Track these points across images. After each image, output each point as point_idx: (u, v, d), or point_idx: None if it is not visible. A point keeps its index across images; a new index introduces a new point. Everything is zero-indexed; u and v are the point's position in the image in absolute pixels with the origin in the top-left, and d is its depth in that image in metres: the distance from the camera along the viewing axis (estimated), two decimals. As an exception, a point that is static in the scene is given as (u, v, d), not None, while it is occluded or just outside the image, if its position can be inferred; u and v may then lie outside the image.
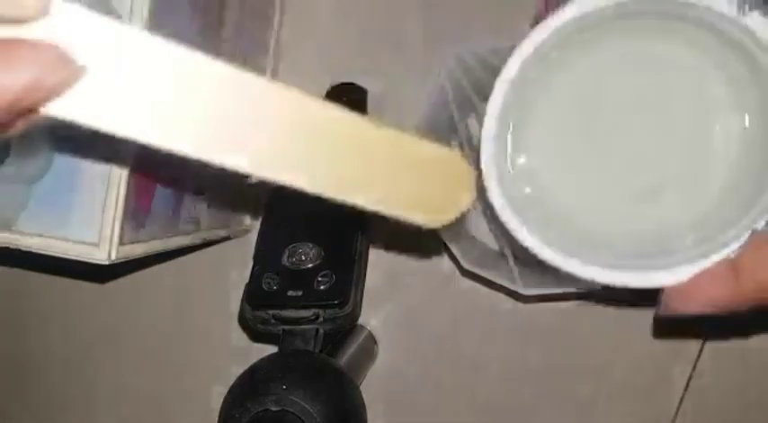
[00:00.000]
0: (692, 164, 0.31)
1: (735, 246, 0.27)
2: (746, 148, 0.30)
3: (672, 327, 0.40)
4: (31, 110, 0.19)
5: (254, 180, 0.22)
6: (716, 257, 0.27)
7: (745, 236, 0.27)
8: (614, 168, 0.32)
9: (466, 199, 0.25)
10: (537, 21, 0.30)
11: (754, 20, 0.26)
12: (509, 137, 0.31)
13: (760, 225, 0.27)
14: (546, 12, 0.31)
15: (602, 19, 0.29)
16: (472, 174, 0.25)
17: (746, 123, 0.30)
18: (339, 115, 0.22)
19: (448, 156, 0.25)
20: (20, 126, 0.19)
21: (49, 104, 0.19)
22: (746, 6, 0.26)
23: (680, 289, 0.28)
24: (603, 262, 0.29)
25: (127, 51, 0.19)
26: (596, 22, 0.29)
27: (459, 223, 0.27)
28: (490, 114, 0.29)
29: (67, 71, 0.18)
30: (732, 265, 0.27)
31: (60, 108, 0.19)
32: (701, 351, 0.40)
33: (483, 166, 0.29)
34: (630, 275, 0.28)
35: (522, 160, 0.32)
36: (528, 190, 0.32)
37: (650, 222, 0.32)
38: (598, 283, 0.29)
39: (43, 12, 0.18)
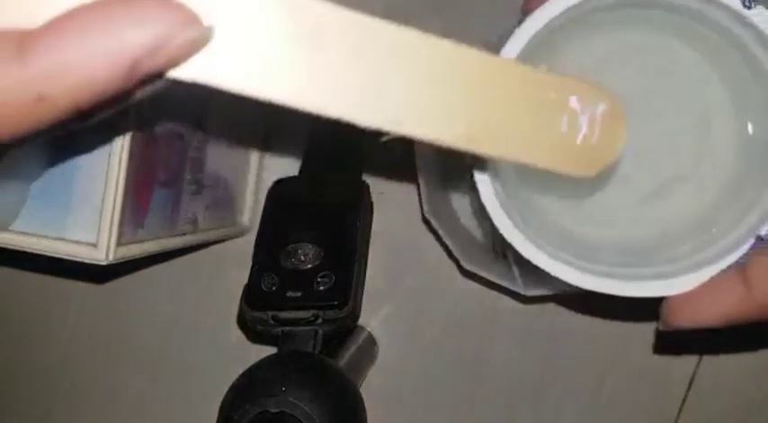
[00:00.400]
0: (690, 165, 0.30)
1: (739, 252, 0.26)
2: (746, 149, 0.29)
3: (673, 337, 0.39)
4: (154, 75, 0.17)
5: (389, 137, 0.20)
6: (721, 265, 0.26)
7: (750, 242, 0.26)
8: (615, 170, 0.31)
9: (619, 140, 0.22)
10: (524, 14, 0.29)
11: (759, 15, 0.24)
12: None
13: (763, 231, 0.25)
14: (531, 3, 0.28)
15: (593, 10, 0.27)
16: (622, 110, 0.22)
17: (748, 124, 0.29)
18: (477, 56, 0.20)
19: (596, 90, 0.22)
20: (139, 94, 0.18)
21: (173, 68, 0.17)
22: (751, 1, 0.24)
23: (686, 300, 0.26)
24: (600, 270, 0.27)
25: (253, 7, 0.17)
26: (585, 14, 0.27)
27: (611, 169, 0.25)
28: None
29: (196, 32, 0.17)
30: (742, 274, 0.25)
31: (188, 71, 0.17)
32: (702, 353, 0.40)
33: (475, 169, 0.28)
34: (628, 285, 0.27)
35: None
36: (521, 193, 0.31)
37: (650, 227, 0.31)
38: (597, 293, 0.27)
39: None
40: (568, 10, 0.26)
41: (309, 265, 0.37)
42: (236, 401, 0.32)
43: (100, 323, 0.46)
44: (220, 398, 0.33)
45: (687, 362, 0.40)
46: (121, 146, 0.28)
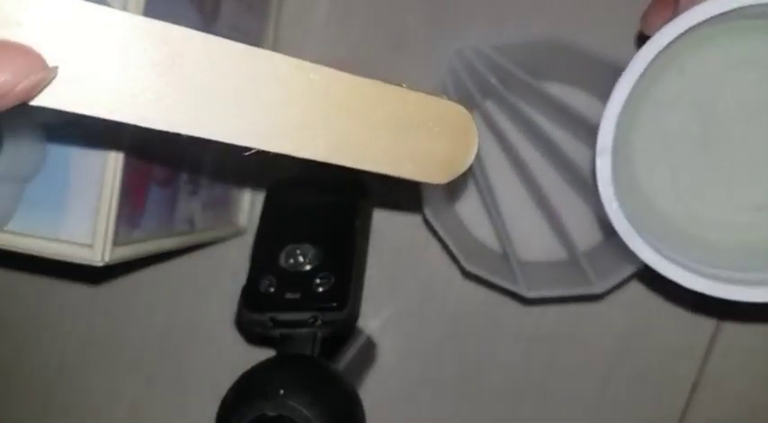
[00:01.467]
0: None
1: None
2: None
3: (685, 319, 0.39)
4: (4, 109, 0.18)
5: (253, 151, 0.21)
6: None
7: None
8: (730, 176, 0.32)
9: (471, 151, 0.24)
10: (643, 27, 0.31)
11: None
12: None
13: None
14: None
15: (720, 19, 0.28)
16: (474, 125, 0.24)
17: None
18: (335, 75, 0.21)
19: (449, 106, 0.24)
20: None
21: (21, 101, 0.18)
22: None
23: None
24: (710, 273, 0.29)
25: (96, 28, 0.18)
26: (714, 22, 0.28)
27: (462, 179, 0.27)
28: (610, 116, 0.29)
29: (41, 76, 0.18)
30: None
31: (40, 100, 0.18)
32: (706, 354, 0.39)
33: (600, 176, 0.29)
34: (736, 289, 0.28)
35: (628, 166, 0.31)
36: (633, 196, 0.31)
37: (762, 233, 0.31)
38: (710, 295, 0.29)
39: None
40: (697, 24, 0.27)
41: (308, 267, 0.37)
42: (234, 405, 0.32)
43: (96, 325, 0.46)
44: (218, 401, 0.33)
45: (690, 365, 0.40)
46: (117, 146, 0.28)
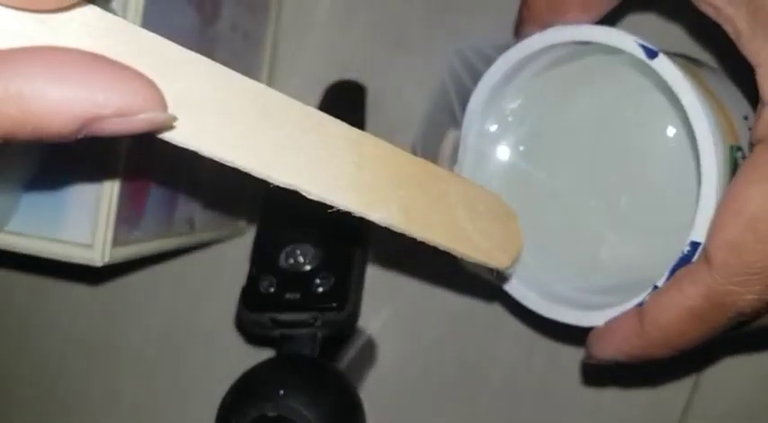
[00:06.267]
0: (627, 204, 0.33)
1: (639, 299, 0.27)
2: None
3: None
4: (94, 136, 0.17)
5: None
6: (626, 305, 0.28)
7: (648, 291, 0.27)
8: (568, 200, 0.34)
9: (516, 245, 0.27)
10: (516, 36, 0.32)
11: (660, 63, 0.27)
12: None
13: (661, 282, 0.27)
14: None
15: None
16: (516, 219, 0.27)
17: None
18: (393, 149, 0.23)
19: (493, 198, 0.26)
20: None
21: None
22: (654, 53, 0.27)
23: (597, 334, 0.28)
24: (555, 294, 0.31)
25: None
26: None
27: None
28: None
29: (161, 117, 0.17)
30: (638, 312, 0.27)
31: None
32: (706, 360, 0.39)
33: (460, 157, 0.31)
34: (566, 311, 0.30)
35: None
36: None
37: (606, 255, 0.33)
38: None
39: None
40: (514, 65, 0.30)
41: (308, 267, 0.37)
42: (234, 405, 0.32)
43: (95, 325, 0.46)
44: (218, 401, 0.33)
45: (691, 367, 0.40)
46: (117, 145, 0.28)
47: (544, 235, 0.33)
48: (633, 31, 0.28)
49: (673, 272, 0.26)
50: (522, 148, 0.34)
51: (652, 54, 0.27)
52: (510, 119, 0.33)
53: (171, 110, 0.18)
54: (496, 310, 0.41)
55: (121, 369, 0.46)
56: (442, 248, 0.24)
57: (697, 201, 0.26)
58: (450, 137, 0.38)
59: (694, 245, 0.26)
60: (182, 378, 0.45)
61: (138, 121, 0.17)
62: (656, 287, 0.27)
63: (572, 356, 0.41)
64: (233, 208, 0.43)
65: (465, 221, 0.25)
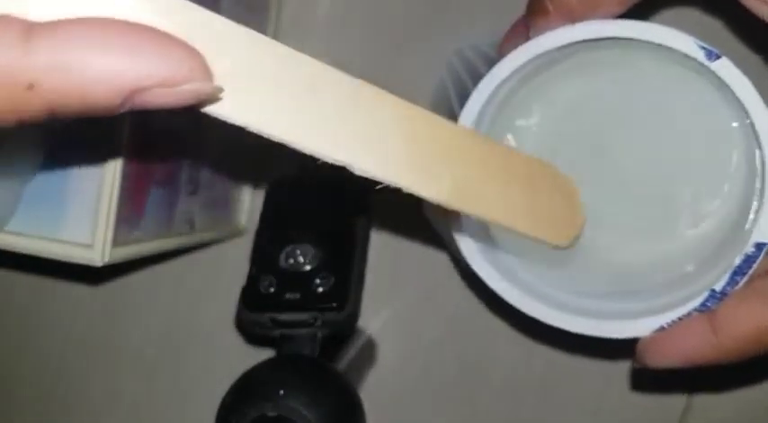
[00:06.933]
0: (669, 202, 0.32)
1: (695, 303, 0.27)
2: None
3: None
4: (142, 108, 0.17)
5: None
6: (679, 312, 0.27)
7: (704, 295, 0.26)
8: (599, 192, 0.32)
9: (580, 215, 0.25)
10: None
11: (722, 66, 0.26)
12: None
13: (719, 286, 0.26)
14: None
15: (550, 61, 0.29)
16: (578, 193, 0.25)
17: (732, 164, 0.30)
18: (447, 124, 0.22)
19: (554, 171, 0.25)
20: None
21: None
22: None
23: (654, 342, 0.27)
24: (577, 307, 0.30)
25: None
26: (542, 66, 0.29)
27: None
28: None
29: (207, 88, 0.17)
30: (709, 319, 0.26)
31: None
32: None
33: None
34: (586, 322, 0.29)
35: None
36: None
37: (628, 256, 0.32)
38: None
39: None
40: (526, 64, 0.28)
41: (308, 267, 0.37)
42: (234, 405, 0.32)
43: (95, 325, 0.46)
44: (218, 401, 0.33)
45: (692, 367, 0.40)
46: (117, 145, 0.28)
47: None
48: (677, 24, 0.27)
49: (735, 274, 0.26)
50: (528, 141, 0.33)
51: (713, 56, 0.26)
52: (520, 118, 0.32)
53: (218, 83, 0.17)
54: (496, 311, 0.41)
55: (121, 369, 0.46)
56: (496, 226, 0.23)
57: (751, 199, 0.26)
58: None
59: (759, 246, 0.25)
60: (182, 378, 0.45)
61: (184, 93, 0.16)
62: (713, 291, 0.26)
63: (572, 356, 0.41)
64: (233, 208, 0.43)
65: (522, 197, 0.23)
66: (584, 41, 0.28)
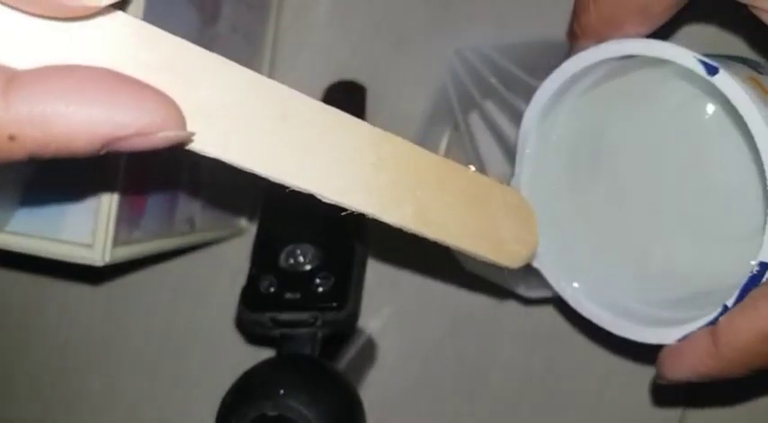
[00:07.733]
0: (692, 213, 0.32)
1: (709, 318, 0.27)
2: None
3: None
4: (117, 152, 0.17)
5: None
6: (697, 324, 0.27)
7: (718, 310, 0.26)
8: (631, 210, 0.33)
9: (534, 237, 0.26)
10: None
11: (721, 80, 0.26)
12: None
13: (731, 302, 0.26)
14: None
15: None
16: (534, 215, 0.26)
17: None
18: (413, 148, 0.23)
19: (512, 194, 0.25)
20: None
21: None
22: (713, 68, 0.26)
23: (667, 355, 0.28)
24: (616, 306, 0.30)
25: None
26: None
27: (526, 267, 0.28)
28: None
29: (180, 135, 0.17)
30: (712, 332, 0.26)
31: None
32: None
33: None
34: (630, 326, 0.29)
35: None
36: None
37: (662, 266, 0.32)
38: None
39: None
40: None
41: (308, 267, 0.37)
42: (234, 405, 0.32)
43: (96, 325, 0.46)
44: (218, 401, 0.33)
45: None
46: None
47: (605, 246, 0.32)
48: (689, 39, 0.27)
49: (743, 292, 0.26)
50: (581, 160, 0.33)
51: (712, 70, 0.26)
52: (564, 132, 0.32)
53: (192, 117, 0.18)
54: (497, 310, 0.41)
55: (121, 369, 0.46)
56: (454, 249, 0.24)
57: (764, 214, 0.25)
58: (445, 137, 0.38)
59: (764, 265, 0.25)
60: (182, 378, 0.45)
61: (158, 139, 0.17)
62: (725, 306, 0.26)
63: (572, 356, 0.41)
64: (233, 208, 0.43)
65: (481, 220, 0.24)
66: (618, 60, 0.28)
